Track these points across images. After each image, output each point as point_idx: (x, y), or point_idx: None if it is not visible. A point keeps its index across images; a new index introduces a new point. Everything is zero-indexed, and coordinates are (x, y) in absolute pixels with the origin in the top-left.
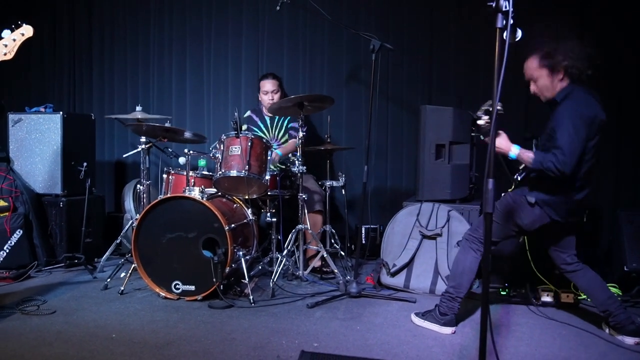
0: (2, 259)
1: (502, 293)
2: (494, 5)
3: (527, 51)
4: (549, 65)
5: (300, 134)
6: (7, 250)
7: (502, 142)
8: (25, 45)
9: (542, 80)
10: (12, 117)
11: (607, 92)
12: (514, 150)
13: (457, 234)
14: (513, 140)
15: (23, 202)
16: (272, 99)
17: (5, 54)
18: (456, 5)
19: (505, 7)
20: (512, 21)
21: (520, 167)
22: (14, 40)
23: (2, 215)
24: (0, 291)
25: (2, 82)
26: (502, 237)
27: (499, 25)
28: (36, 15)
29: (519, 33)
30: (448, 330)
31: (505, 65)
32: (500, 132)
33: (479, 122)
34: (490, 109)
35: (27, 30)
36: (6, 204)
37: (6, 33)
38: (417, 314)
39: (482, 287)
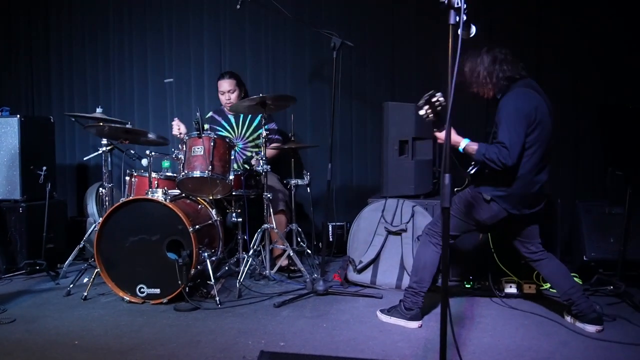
0: None
1: (466, 286)
2: (446, 2)
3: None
4: (475, 83)
5: (264, 133)
6: None
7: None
8: None
9: (477, 88)
10: None
11: (566, 88)
12: (462, 144)
13: (421, 229)
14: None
15: None
16: (229, 99)
17: None
18: (416, 2)
19: (458, 4)
20: (465, 17)
21: (472, 162)
22: None
23: None
24: None
25: None
26: (462, 231)
27: (452, 21)
28: None
29: (473, 29)
30: (414, 324)
31: (459, 61)
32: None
33: (420, 112)
34: (430, 99)
35: None
36: None
37: None
38: (382, 311)
39: (442, 280)
